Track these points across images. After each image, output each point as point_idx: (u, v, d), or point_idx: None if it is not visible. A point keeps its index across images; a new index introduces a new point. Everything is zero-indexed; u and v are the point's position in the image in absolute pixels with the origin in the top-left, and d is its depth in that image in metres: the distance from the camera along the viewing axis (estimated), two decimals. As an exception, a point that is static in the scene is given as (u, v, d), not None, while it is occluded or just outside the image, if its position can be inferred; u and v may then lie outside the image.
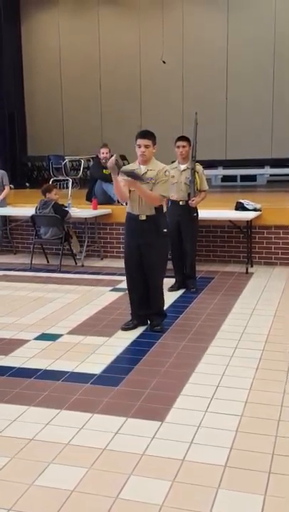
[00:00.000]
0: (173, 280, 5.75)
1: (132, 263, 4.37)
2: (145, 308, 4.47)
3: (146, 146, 4.19)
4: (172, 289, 5.65)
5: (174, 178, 5.58)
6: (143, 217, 4.24)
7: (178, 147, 5.56)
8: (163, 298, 4.52)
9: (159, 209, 4.31)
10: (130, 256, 4.37)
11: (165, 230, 4.36)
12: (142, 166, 4.26)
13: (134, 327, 4.43)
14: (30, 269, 6.84)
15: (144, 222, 4.24)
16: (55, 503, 2.28)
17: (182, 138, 5.62)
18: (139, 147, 4.20)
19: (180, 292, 5.63)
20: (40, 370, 3.69)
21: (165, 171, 4.26)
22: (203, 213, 6.02)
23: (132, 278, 4.42)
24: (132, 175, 4.09)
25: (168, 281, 5.60)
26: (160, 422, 2.94)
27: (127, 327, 4.43)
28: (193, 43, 11.70)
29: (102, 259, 7.37)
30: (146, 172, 4.23)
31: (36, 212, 6.96)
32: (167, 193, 4.36)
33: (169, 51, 11.56)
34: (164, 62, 11.31)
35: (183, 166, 5.60)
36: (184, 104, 11.60)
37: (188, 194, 5.56)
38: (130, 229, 4.34)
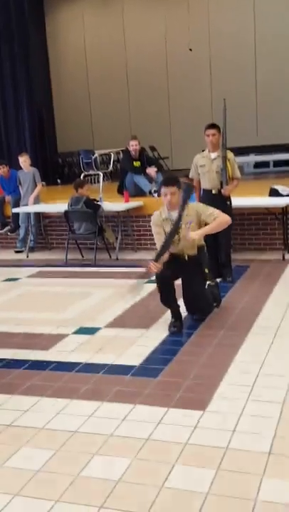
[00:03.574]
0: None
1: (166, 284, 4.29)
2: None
3: (172, 194, 4.16)
4: (208, 278, 5.61)
5: (205, 167, 5.54)
6: (185, 258, 4.26)
7: (208, 135, 5.49)
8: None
9: (201, 248, 4.34)
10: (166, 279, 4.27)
11: (207, 271, 4.36)
12: (172, 213, 4.20)
13: (181, 326, 4.27)
14: (66, 265, 6.91)
15: (187, 262, 4.25)
16: (101, 494, 2.31)
17: (212, 126, 5.54)
18: (165, 195, 4.18)
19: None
20: (80, 363, 3.73)
21: (201, 206, 4.31)
22: (237, 201, 5.94)
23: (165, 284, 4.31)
24: (166, 248, 4.12)
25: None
26: (202, 411, 2.93)
27: (174, 330, 4.22)
28: (220, 27, 11.51)
29: (136, 251, 7.38)
30: (180, 218, 4.13)
31: (69, 208, 7.02)
32: (216, 213, 4.28)
33: (196, 38, 11.43)
34: (190, 49, 11.19)
35: (213, 155, 5.53)
36: (212, 91, 11.47)
37: (221, 182, 5.49)
38: (170, 262, 4.22)
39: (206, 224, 4.27)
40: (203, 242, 4.44)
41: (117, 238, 7.21)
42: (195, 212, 4.25)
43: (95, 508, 2.22)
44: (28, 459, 2.62)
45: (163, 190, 4.21)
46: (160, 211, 4.35)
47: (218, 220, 4.26)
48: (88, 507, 2.23)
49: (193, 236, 4.15)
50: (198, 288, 4.36)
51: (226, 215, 4.37)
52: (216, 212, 4.29)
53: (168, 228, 4.22)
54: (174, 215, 4.21)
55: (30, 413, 3.07)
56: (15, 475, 2.49)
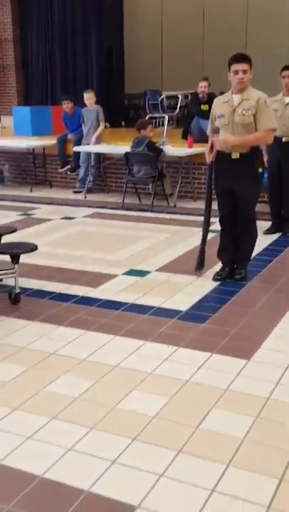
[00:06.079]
0: (269, 223, 5.50)
1: (224, 207, 4.10)
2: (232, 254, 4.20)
3: (244, 72, 3.76)
4: (268, 232, 5.42)
5: (277, 112, 5.22)
6: (236, 156, 3.88)
7: (283, 77, 5.16)
8: (253, 242, 4.19)
9: (254, 145, 3.92)
10: (222, 200, 4.09)
11: (260, 170, 3.99)
12: (234, 96, 3.85)
13: (227, 276, 4.14)
14: (122, 208, 6.86)
15: (237, 162, 3.87)
16: (135, 427, 2.30)
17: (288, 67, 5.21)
18: (236, 73, 3.77)
19: (276, 236, 5.38)
20: (127, 303, 3.71)
21: (265, 100, 3.82)
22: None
23: (223, 223, 4.17)
24: None
25: (265, 224, 5.39)
26: (246, 360, 2.86)
27: (218, 277, 4.12)
28: None
29: (195, 200, 7.21)
30: (240, 102, 3.81)
31: (130, 150, 6.88)
32: (275, 124, 3.90)
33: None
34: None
35: (288, 99, 5.21)
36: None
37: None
38: (221, 170, 4.00)
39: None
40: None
41: (176, 186, 7.05)
42: (256, 103, 3.78)
43: (128, 440, 2.22)
44: (68, 386, 2.64)
45: (234, 67, 3.77)
46: (222, 95, 3.98)
47: (262, 134, 3.82)
48: (122, 437, 2.24)
49: (229, 139, 3.80)
50: (247, 190, 3.94)
51: (270, 135, 3.89)
52: (268, 124, 3.82)
53: (223, 111, 3.87)
54: (236, 98, 3.83)
55: (74, 344, 3.10)
56: (54, 400, 2.53)
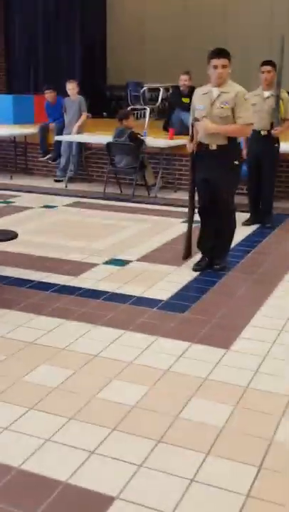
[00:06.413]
0: (248, 215, 5.53)
1: (202, 198, 4.09)
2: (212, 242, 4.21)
3: (223, 67, 3.80)
4: (247, 223, 5.44)
5: (256, 106, 5.23)
6: (213, 147, 3.92)
7: (262, 72, 5.21)
8: (232, 233, 4.22)
9: (232, 138, 3.95)
10: (200, 191, 4.08)
11: (237, 163, 4.00)
12: (214, 89, 3.89)
13: (206, 266, 4.16)
14: (104, 198, 6.82)
15: (214, 153, 3.91)
16: (115, 417, 2.29)
17: (267, 62, 5.27)
18: (215, 68, 3.80)
19: (255, 227, 5.41)
20: (107, 292, 3.69)
21: (244, 94, 3.87)
22: (286, 146, 5.65)
23: (202, 213, 4.16)
24: None
25: (244, 216, 5.41)
26: (226, 350, 2.87)
27: (198, 267, 4.13)
28: None
29: (175, 191, 7.20)
30: (219, 95, 3.86)
31: (112, 140, 6.84)
32: (252, 119, 3.98)
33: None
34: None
35: (267, 93, 5.24)
36: (271, 29, 10.75)
37: (272, 123, 5.22)
38: (198, 161, 4.02)
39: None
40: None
41: (157, 177, 7.03)
42: (234, 96, 3.83)
43: (107, 430, 2.21)
44: (47, 376, 2.62)
45: (213, 62, 3.82)
46: (202, 87, 4.03)
47: (238, 126, 3.88)
48: (101, 428, 2.22)
49: (208, 126, 3.85)
50: (221, 181, 3.94)
51: (248, 128, 4.01)
52: (247, 118, 3.89)
53: (203, 103, 3.91)
54: (215, 91, 3.86)
55: (53, 334, 3.07)
56: (32, 390, 2.50)
